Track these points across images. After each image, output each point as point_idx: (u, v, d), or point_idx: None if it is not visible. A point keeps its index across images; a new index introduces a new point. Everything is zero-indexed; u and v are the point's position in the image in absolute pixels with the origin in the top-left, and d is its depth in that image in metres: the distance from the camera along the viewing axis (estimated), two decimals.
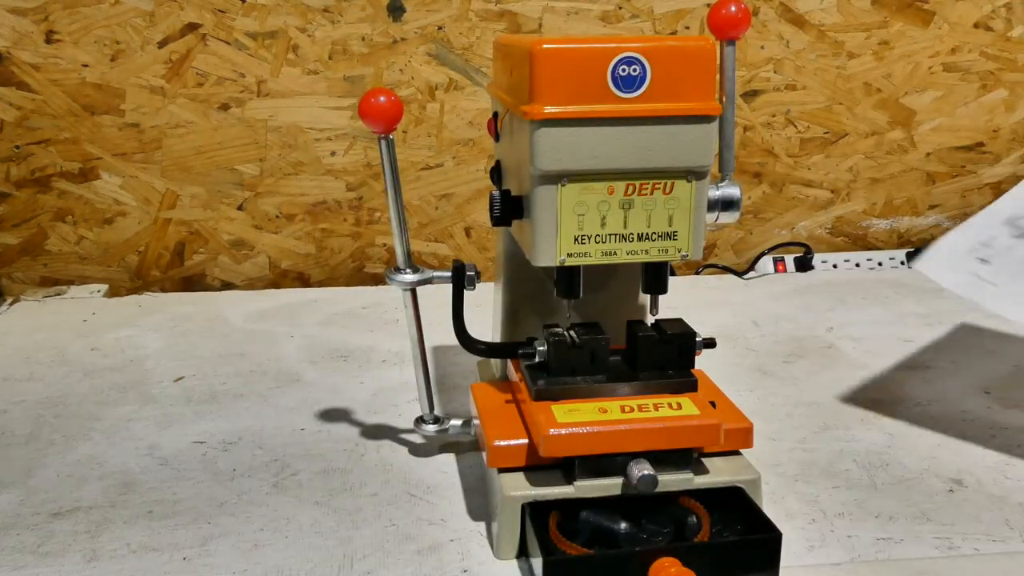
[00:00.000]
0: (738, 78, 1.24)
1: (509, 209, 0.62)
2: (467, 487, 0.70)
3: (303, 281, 1.26)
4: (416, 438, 0.77)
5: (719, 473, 0.62)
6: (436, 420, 0.74)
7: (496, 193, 0.62)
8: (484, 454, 0.66)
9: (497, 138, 0.69)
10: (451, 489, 0.69)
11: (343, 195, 1.22)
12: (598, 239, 0.59)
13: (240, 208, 1.21)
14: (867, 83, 1.27)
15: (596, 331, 0.63)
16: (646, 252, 0.60)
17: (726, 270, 1.27)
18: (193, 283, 1.24)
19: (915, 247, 1.30)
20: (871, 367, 0.91)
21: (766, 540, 0.57)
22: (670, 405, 0.60)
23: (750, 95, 1.25)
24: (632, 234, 0.59)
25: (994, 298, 0.88)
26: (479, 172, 1.23)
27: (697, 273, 1.29)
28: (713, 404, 0.62)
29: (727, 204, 0.64)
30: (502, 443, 0.62)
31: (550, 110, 0.55)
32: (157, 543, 0.62)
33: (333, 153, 1.20)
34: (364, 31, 1.16)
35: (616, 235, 0.59)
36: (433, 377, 0.84)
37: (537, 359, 0.63)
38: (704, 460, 0.63)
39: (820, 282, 1.21)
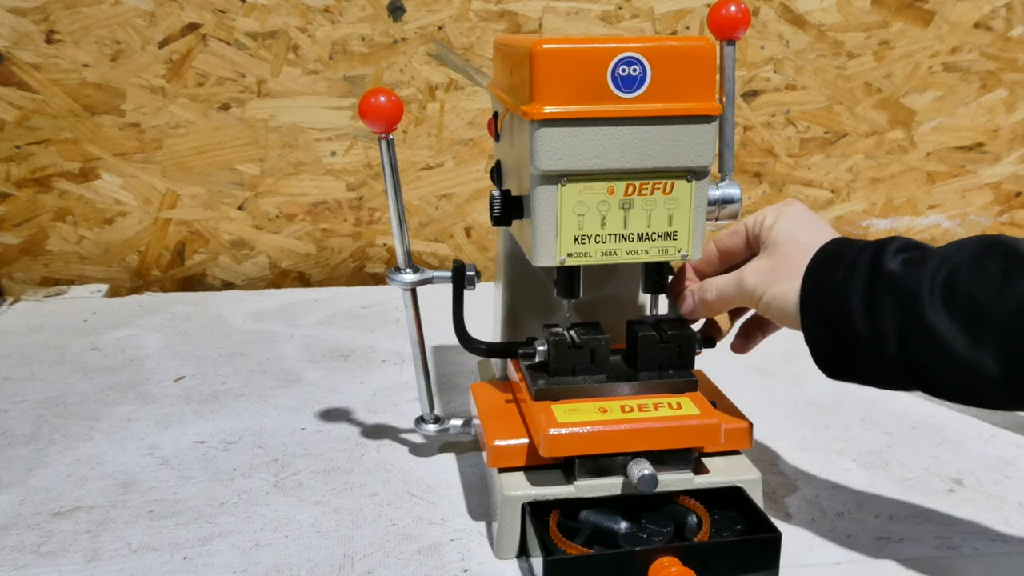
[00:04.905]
0: (738, 78, 1.24)
1: (509, 209, 0.62)
2: (467, 487, 0.70)
3: (303, 281, 1.26)
4: (416, 438, 0.77)
5: (719, 473, 0.62)
6: (436, 420, 0.74)
7: (496, 193, 0.62)
8: (484, 454, 0.66)
9: (497, 138, 0.69)
10: (451, 489, 0.69)
11: (343, 195, 1.22)
12: (598, 239, 0.59)
13: (240, 208, 1.21)
14: (867, 83, 1.27)
15: (596, 331, 0.63)
16: (646, 252, 0.60)
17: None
18: (193, 283, 1.24)
19: None
20: None
21: (766, 540, 0.57)
22: (670, 405, 0.61)
23: (750, 95, 1.25)
24: (632, 234, 0.59)
25: None
26: (479, 172, 1.23)
27: None
28: (713, 404, 0.62)
29: (727, 204, 0.64)
30: (502, 443, 0.62)
31: (550, 110, 0.55)
32: (157, 543, 0.62)
33: (333, 153, 1.21)
34: (364, 31, 1.16)
35: (616, 235, 0.59)
36: (433, 377, 0.84)
37: (537, 359, 0.63)
38: (704, 460, 0.63)
39: None
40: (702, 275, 0.67)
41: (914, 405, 0.84)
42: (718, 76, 0.60)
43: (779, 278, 0.58)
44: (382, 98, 0.62)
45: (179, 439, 0.78)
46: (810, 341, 0.57)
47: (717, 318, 0.69)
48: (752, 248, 0.63)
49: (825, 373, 0.58)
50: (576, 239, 0.59)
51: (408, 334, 0.71)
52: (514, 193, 0.63)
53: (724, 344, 0.69)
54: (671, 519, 0.59)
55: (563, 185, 0.57)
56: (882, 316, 0.53)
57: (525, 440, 0.62)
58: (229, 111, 1.17)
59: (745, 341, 0.68)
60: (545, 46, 0.55)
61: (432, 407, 0.74)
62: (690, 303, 0.65)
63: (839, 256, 0.57)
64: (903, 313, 0.52)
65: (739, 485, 0.61)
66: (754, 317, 0.68)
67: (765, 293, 0.59)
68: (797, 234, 0.60)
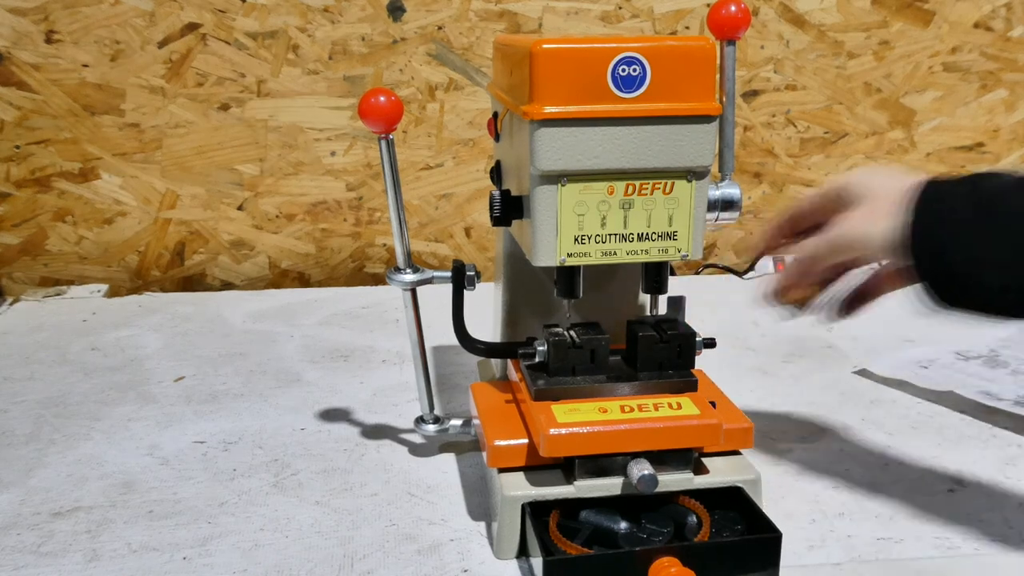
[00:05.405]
0: (738, 78, 1.24)
1: (509, 209, 0.62)
2: (467, 487, 0.70)
3: (303, 281, 1.26)
4: (416, 438, 0.77)
5: (719, 473, 0.62)
6: (436, 420, 0.74)
7: (496, 193, 0.62)
8: (484, 454, 0.66)
9: (497, 138, 0.69)
10: (451, 489, 0.69)
11: (343, 195, 1.22)
12: (598, 239, 0.59)
13: (240, 208, 1.21)
14: (867, 83, 1.27)
15: (596, 331, 0.63)
16: (646, 252, 0.60)
17: (726, 270, 1.27)
18: (193, 283, 1.24)
19: None
20: (871, 367, 0.91)
21: (766, 540, 0.57)
22: (670, 405, 0.61)
23: (750, 95, 1.25)
24: (632, 234, 0.59)
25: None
26: (479, 172, 1.23)
27: (697, 273, 1.29)
28: (713, 404, 0.62)
29: (727, 204, 0.64)
30: (502, 443, 0.62)
31: (550, 110, 0.55)
32: (157, 543, 0.62)
33: (333, 153, 1.21)
34: (364, 31, 1.16)
35: (616, 235, 0.59)
36: (433, 377, 0.84)
37: (537, 359, 0.63)
38: (704, 460, 0.63)
39: None
40: (773, 248, 0.65)
41: (914, 405, 0.84)
42: (718, 76, 0.60)
43: (882, 218, 0.57)
44: (382, 98, 0.62)
45: (179, 439, 0.78)
46: (921, 273, 0.56)
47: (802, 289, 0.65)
48: (834, 210, 0.61)
49: (936, 302, 0.56)
50: (576, 239, 0.59)
51: (408, 334, 0.71)
52: (514, 193, 0.63)
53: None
54: (671, 519, 0.59)
55: (563, 185, 0.57)
56: (993, 242, 0.52)
57: (525, 440, 0.62)
58: (229, 111, 1.17)
59: (849, 310, 0.66)
60: (545, 46, 0.55)
61: (432, 407, 0.74)
62: (793, 271, 0.62)
63: (940, 188, 0.56)
64: (1018, 238, 0.51)
65: (739, 485, 0.61)
66: (862, 286, 0.66)
67: (866, 235, 0.57)
68: (885, 180, 0.59)
